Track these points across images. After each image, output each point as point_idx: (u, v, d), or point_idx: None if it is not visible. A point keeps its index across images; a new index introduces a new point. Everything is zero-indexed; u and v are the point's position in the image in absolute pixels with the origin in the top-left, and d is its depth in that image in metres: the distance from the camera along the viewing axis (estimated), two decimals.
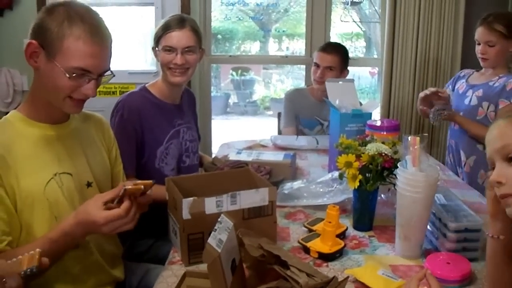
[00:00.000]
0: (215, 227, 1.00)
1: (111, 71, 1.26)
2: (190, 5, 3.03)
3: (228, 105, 8.30)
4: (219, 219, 1.03)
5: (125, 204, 1.11)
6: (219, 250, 0.93)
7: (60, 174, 1.23)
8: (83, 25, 1.15)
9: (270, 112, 8.13)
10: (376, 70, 5.49)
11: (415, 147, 1.21)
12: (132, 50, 3.47)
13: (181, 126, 1.92)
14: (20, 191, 1.16)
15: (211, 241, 0.96)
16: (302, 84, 7.83)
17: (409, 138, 1.23)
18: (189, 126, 1.96)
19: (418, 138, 1.22)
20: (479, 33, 2.10)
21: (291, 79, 8.55)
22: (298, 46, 7.66)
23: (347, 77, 2.54)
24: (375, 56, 3.90)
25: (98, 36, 1.18)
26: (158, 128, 1.84)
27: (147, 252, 1.78)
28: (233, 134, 5.05)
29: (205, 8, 3.12)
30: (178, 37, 1.79)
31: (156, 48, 1.85)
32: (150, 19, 3.15)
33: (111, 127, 1.57)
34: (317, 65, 2.50)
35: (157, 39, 1.84)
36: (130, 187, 1.13)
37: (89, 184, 1.32)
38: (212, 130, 3.45)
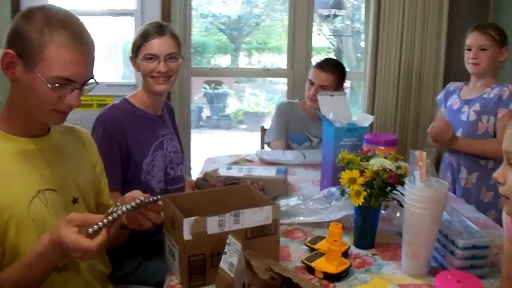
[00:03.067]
0: (225, 250, 0.94)
1: (95, 80, 1.17)
2: (170, 16, 2.97)
3: (200, 119, 8.22)
4: (227, 241, 0.97)
5: (100, 239, 1.00)
6: (232, 275, 0.87)
7: (44, 191, 1.14)
8: (66, 31, 1.07)
9: (244, 126, 8.10)
10: (348, 83, 5.56)
11: (423, 162, 1.18)
12: (110, 62, 3.37)
13: (165, 137, 1.85)
14: (1, 211, 1.06)
15: (223, 265, 0.89)
16: (276, 97, 7.81)
17: (416, 153, 1.20)
18: (171, 137, 1.90)
19: (425, 153, 1.19)
20: (472, 38, 2.10)
21: (264, 93, 8.56)
22: (268, 60, 7.69)
23: None
24: (347, 70, 3.93)
25: (82, 43, 1.10)
26: (143, 139, 1.77)
27: (133, 274, 1.69)
28: (207, 148, 4.97)
29: (185, 19, 3.07)
30: (160, 45, 1.74)
31: (136, 58, 1.78)
32: (129, 30, 3.06)
33: None
34: (312, 83, 2.46)
35: (136, 48, 1.78)
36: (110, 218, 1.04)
37: (75, 200, 1.23)
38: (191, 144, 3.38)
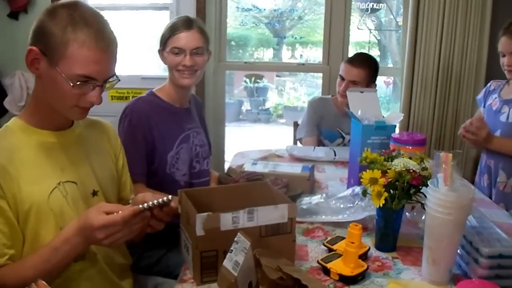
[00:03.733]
0: (231, 248, 0.92)
1: (116, 76, 1.19)
2: (205, 10, 2.98)
3: (240, 112, 8.25)
4: (235, 239, 0.96)
5: (124, 212, 1.04)
6: (235, 274, 0.86)
7: (64, 183, 1.17)
8: (88, 29, 1.08)
9: (283, 120, 8.07)
10: (391, 79, 5.41)
11: (448, 164, 1.12)
12: (145, 55, 3.42)
13: (191, 131, 1.86)
14: (22, 201, 1.10)
15: (227, 263, 0.88)
16: (316, 92, 7.74)
17: (441, 154, 1.14)
18: (198, 131, 1.91)
19: (450, 155, 1.13)
20: (503, 43, 1.97)
21: (305, 87, 8.48)
22: (311, 54, 7.59)
23: None
24: (390, 65, 3.82)
25: (104, 41, 1.11)
26: (168, 132, 1.78)
27: (156, 265, 1.71)
28: (245, 141, 4.98)
29: (220, 13, 3.07)
30: (187, 39, 1.75)
31: (163, 51, 1.80)
32: (164, 24, 3.10)
33: (119, 133, 1.50)
34: (342, 78, 2.40)
35: (164, 41, 1.79)
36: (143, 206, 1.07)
37: (94, 193, 1.26)
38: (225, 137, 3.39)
